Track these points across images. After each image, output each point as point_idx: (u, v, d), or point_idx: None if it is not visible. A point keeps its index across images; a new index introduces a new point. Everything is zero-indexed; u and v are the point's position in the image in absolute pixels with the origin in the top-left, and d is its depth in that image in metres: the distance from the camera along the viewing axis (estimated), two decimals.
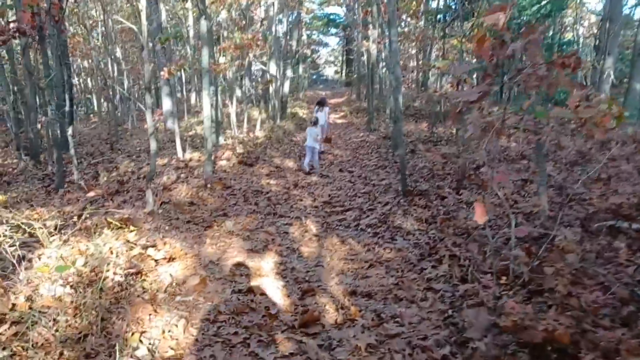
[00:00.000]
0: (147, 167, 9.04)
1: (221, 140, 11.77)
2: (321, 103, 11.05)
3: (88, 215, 4.52)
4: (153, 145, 5.33)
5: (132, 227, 4.39)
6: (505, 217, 4.42)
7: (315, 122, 9.14)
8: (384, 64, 20.82)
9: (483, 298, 2.95)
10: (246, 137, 12.26)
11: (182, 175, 7.76)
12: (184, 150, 9.97)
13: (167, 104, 15.55)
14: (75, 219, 5.13)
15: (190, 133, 14.22)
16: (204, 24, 6.76)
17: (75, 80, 24.61)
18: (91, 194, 6.69)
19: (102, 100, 22.38)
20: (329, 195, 6.77)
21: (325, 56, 43.52)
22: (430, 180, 6.93)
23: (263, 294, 3.50)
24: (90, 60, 19.31)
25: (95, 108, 23.74)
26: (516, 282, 3.09)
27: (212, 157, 8.55)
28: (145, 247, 4.00)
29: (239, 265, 4.02)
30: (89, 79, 24.04)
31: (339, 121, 18.06)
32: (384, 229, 4.98)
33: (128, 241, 4.05)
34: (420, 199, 5.84)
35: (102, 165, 9.88)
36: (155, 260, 3.81)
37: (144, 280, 3.42)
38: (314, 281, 3.81)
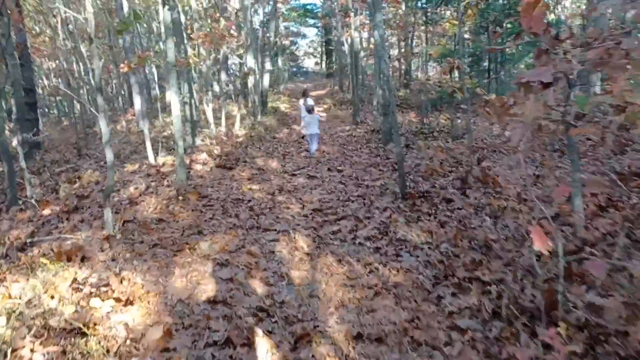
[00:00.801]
0: (116, 176, 8.19)
1: (197, 141, 10.92)
2: (305, 94, 10.96)
3: (32, 243, 3.73)
4: (109, 156, 4.52)
5: (84, 258, 3.61)
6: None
7: (311, 109, 9.64)
8: (366, 53, 20.11)
9: (530, 346, 2.26)
10: (225, 137, 11.44)
11: (153, 184, 6.93)
12: (156, 153, 9.12)
13: (138, 103, 14.60)
14: (20, 245, 4.32)
15: (166, 133, 13.30)
16: (167, 13, 5.92)
17: (44, 82, 23.33)
18: (46, 211, 5.84)
19: (74, 101, 21.18)
20: (319, 201, 6.04)
21: (305, 48, 42.61)
22: (429, 178, 6.24)
23: (245, 344, 2.76)
24: (57, 61, 18.17)
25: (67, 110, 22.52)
26: (567, 320, 2.40)
27: (186, 162, 7.75)
28: (98, 287, 3.22)
29: (215, 302, 3.27)
30: (59, 81, 22.78)
31: (323, 114, 17.27)
32: (385, 242, 4.27)
33: (75, 280, 3.27)
34: (422, 202, 5.14)
35: (66, 174, 8.97)
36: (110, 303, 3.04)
37: (90, 337, 2.64)
38: (308, 319, 3.08)
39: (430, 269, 3.56)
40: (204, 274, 3.74)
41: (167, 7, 5.44)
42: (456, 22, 6.60)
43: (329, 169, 8.06)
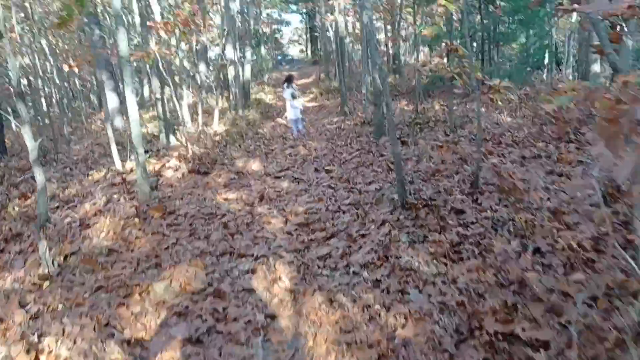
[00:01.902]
0: (76, 187, 7.28)
1: (172, 140, 9.98)
2: (289, 80, 10.69)
3: None
4: (39, 178, 3.62)
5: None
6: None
7: (294, 96, 10.18)
8: (351, 38, 19.14)
9: None
10: (202, 134, 10.50)
11: (115, 196, 6.03)
12: (124, 159, 8.20)
13: (112, 100, 13.55)
14: None
15: (142, 130, 12.31)
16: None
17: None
18: None
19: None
20: (305, 212, 5.19)
21: (289, 35, 41.42)
22: (431, 179, 5.41)
23: None
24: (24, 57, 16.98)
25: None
26: None
27: (151, 171, 6.85)
28: None
29: None
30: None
31: (310, 104, 16.32)
32: (386, 272, 3.44)
33: None
34: (427, 213, 4.31)
35: (25, 185, 8.01)
36: None
37: None
38: None
39: (448, 316, 2.73)
40: (157, 333, 2.88)
41: None
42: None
43: (316, 170, 7.21)
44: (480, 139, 4.92)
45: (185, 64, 12.67)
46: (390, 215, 4.52)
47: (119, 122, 13.51)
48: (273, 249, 4.21)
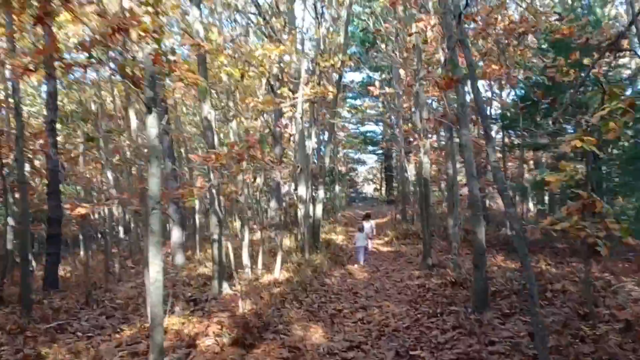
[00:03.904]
0: (105, 345, 5.91)
1: (225, 287, 8.60)
2: (368, 216, 14.70)
3: None
4: None
5: None
6: None
7: (361, 229, 12.57)
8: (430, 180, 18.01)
9: None
10: (263, 281, 9.10)
11: None
12: (169, 309, 6.84)
13: (176, 235, 12.92)
14: None
15: (198, 272, 11.20)
16: (153, 122, 4.03)
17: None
18: None
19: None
20: None
21: (364, 174, 41.85)
22: None
23: None
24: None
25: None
26: None
27: (183, 338, 5.35)
28: None
29: None
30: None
31: (384, 249, 14.69)
32: None
33: None
34: None
35: (50, 335, 6.81)
36: None
37: None
38: None
39: None
40: None
41: (153, 113, 3.54)
42: (591, 139, 4.27)
43: (397, 354, 5.29)
44: None
45: (254, 201, 11.95)
46: None
47: (180, 258, 12.65)
48: None
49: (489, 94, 15.60)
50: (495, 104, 15.59)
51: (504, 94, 15.47)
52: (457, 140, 8.62)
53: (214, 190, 6.40)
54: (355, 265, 11.83)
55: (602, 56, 4.90)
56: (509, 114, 13.23)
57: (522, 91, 11.42)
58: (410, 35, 9.28)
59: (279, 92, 10.74)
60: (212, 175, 6.77)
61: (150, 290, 3.81)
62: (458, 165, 11.61)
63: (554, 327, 5.02)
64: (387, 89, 15.11)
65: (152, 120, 3.63)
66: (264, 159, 6.05)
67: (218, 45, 8.61)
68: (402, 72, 16.16)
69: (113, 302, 9.03)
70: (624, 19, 15.52)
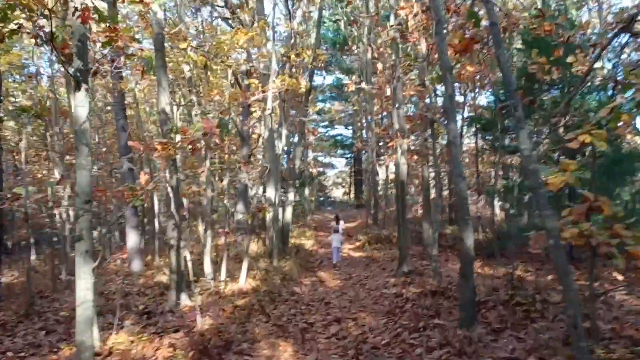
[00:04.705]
0: None
1: (183, 299, 7.74)
2: (337, 218, 15.15)
3: None
4: None
5: None
6: None
7: (337, 230, 12.89)
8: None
9: None
10: (226, 290, 8.29)
11: None
12: (109, 327, 5.97)
13: (132, 239, 11.87)
14: None
15: (155, 280, 10.23)
16: None
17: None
18: None
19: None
20: None
21: (333, 178, 41.33)
22: None
23: None
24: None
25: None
26: None
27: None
28: None
29: None
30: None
31: (356, 254, 14.05)
32: None
33: None
34: None
35: None
36: None
37: None
38: None
39: None
40: None
41: (82, 89, 2.76)
42: (601, 133, 3.81)
43: None
44: None
45: (220, 203, 11.10)
46: None
47: (136, 265, 11.61)
48: None
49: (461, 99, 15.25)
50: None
51: (481, 97, 15.21)
52: (438, 140, 8.12)
53: (170, 190, 5.57)
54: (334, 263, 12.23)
55: (615, 37, 4.43)
56: (484, 117, 12.89)
57: (501, 91, 11.07)
58: (389, 27, 8.71)
59: (246, 83, 9.98)
60: (166, 172, 5.93)
61: (77, 313, 3.00)
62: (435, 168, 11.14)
63: (553, 344, 4.49)
64: (363, 85, 14.51)
65: (81, 98, 2.85)
66: (224, 149, 5.26)
67: (180, 31, 7.80)
68: (378, 68, 15.57)
69: (57, 313, 8.01)
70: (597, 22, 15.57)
